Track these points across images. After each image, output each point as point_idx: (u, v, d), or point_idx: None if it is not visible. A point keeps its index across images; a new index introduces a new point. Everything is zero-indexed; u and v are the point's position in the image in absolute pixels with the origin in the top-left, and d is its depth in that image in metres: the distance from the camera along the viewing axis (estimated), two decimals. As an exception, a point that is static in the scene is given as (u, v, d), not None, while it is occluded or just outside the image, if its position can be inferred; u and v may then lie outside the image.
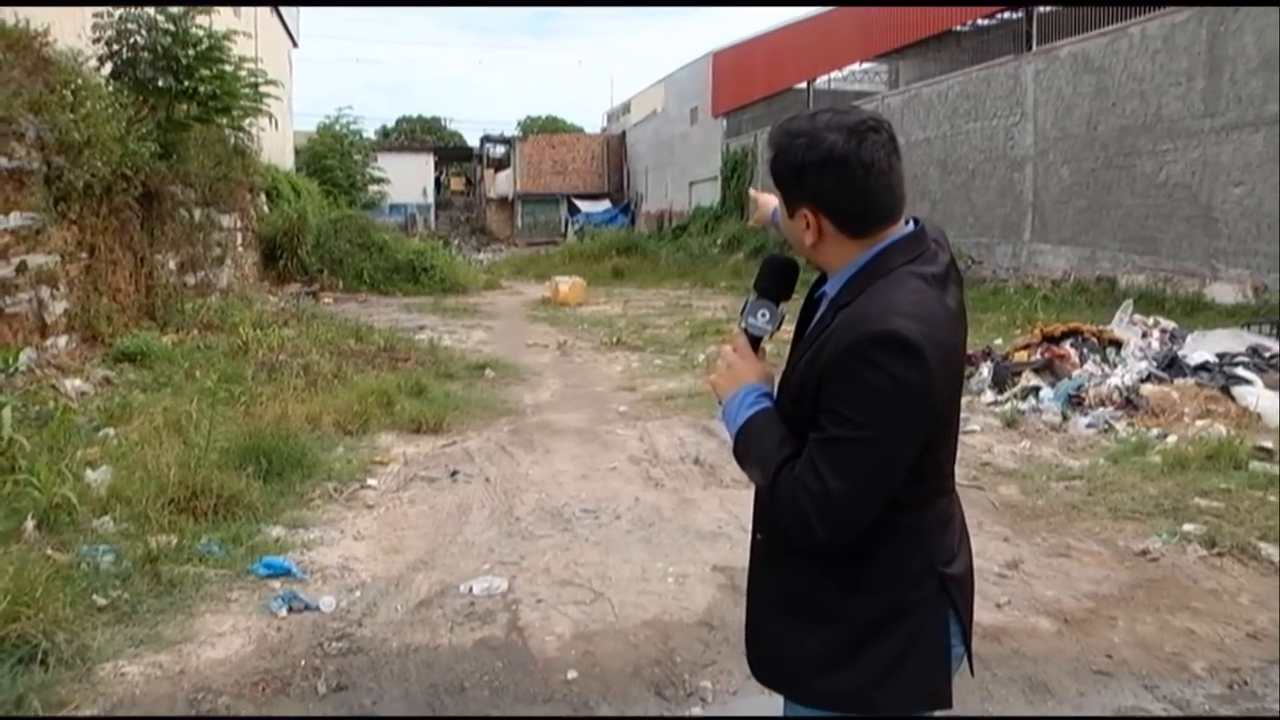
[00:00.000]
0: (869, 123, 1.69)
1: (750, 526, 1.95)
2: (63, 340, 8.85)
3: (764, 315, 1.88)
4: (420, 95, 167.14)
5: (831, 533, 1.64)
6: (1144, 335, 9.56)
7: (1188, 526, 5.24)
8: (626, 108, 49.24)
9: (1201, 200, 13.75)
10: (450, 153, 57.54)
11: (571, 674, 3.75)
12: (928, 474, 1.76)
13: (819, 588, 1.80)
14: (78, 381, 8.16)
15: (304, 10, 31.70)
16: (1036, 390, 8.43)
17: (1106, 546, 5.12)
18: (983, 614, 4.26)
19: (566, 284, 20.02)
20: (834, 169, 1.67)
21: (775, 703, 1.99)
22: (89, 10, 11.87)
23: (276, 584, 4.58)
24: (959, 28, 21.44)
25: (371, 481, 6.36)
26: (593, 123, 59.33)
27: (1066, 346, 9.13)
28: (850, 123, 1.68)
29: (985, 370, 8.93)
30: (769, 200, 2.31)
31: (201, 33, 12.64)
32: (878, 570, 1.76)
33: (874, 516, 1.67)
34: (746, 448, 1.79)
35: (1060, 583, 4.64)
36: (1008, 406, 8.19)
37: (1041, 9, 17.85)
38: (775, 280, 1.90)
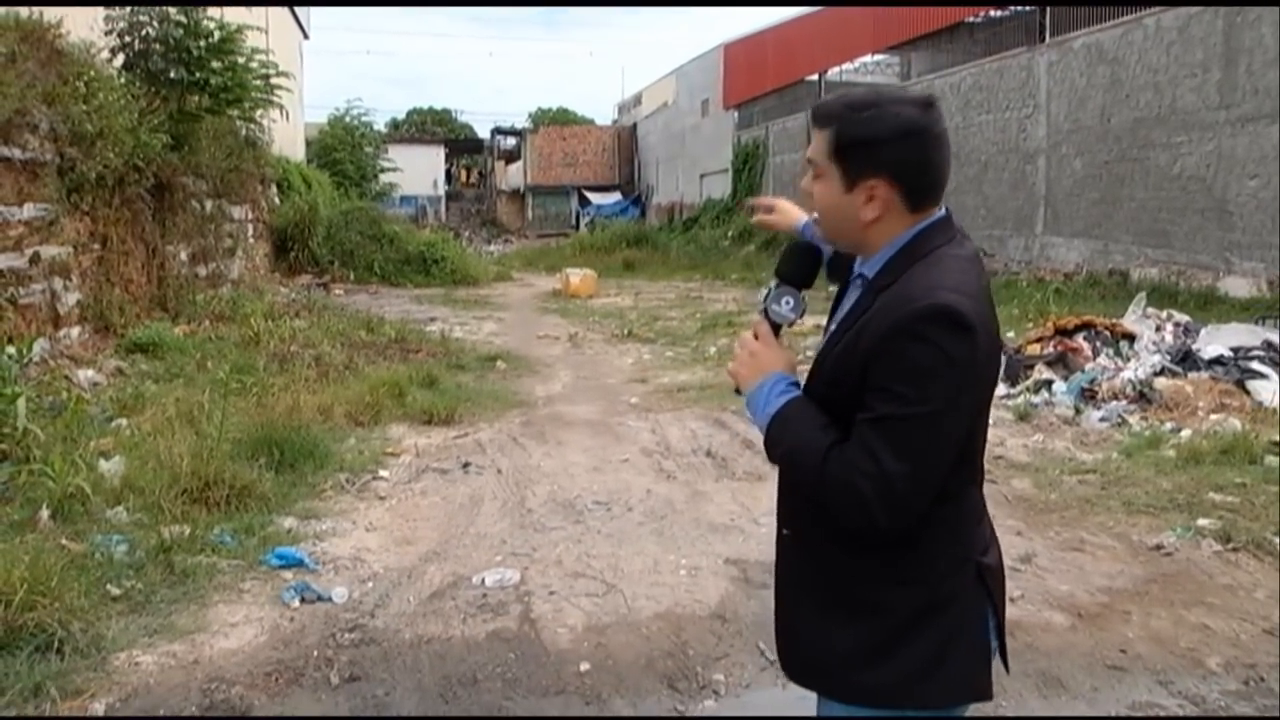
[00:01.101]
0: (929, 98, 1.73)
1: (768, 520, 1.92)
2: (75, 331, 8.89)
3: (788, 302, 1.83)
4: (431, 87, 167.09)
5: (893, 518, 1.59)
6: (1157, 329, 9.51)
7: (1202, 521, 5.21)
8: (638, 99, 49.16)
9: (1216, 193, 13.65)
10: (461, 145, 57.58)
11: (584, 666, 3.76)
12: (965, 461, 1.74)
13: (858, 581, 1.76)
14: (90, 372, 8.19)
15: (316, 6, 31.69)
16: (1049, 384, 8.40)
17: (1120, 541, 5.10)
18: (996, 608, 4.26)
19: (577, 276, 20.02)
20: (913, 139, 1.67)
21: (789, 697, 1.98)
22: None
23: (289, 575, 4.59)
24: (971, 19, 21.34)
25: (383, 473, 6.37)
26: (604, 114, 59.48)
27: (1079, 340, 9.10)
28: (912, 97, 1.72)
29: (998, 363, 8.88)
30: (790, 210, 2.28)
31: (213, 25, 12.66)
32: (918, 561, 1.73)
33: (930, 498, 1.63)
34: (782, 435, 1.73)
35: (1074, 577, 4.63)
36: (1020, 400, 8.16)
37: None
38: (799, 266, 1.87)
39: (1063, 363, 8.75)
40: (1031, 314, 12.37)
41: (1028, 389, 8.40)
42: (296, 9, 27.93)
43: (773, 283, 1.86)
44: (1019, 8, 19.39)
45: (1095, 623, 4.13)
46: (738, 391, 1.84)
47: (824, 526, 1.74)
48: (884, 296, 1.66)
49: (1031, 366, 8.77)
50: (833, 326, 1.81)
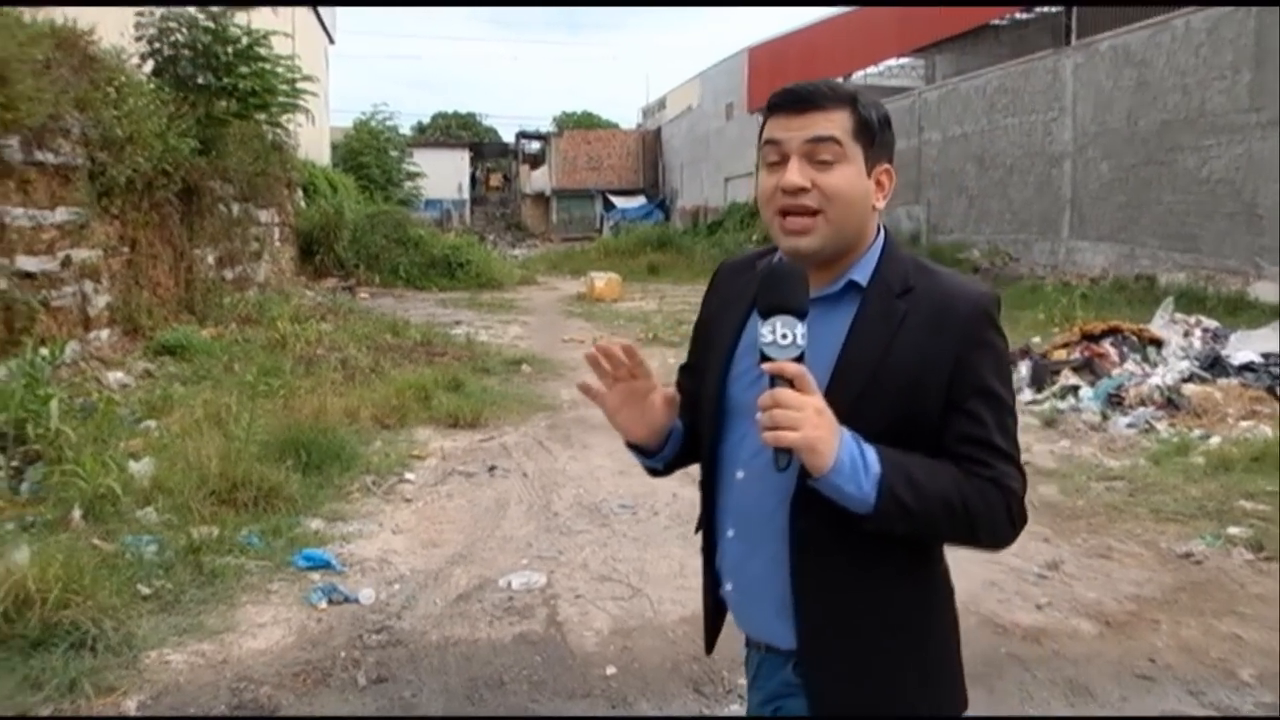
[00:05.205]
0: None
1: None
2: (105, 333, 8.99)
3: (800, 331, 1.43)
4: (456, 91, 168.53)
5: (1023, 520, 1.53)
6: (1185, 334, 9.42)
7: (1233, 529, 5.16)
8: (662, 103, 49.19)
9: (1245, 197, 13.51)
10: (486, 149, 57.79)
11: (610, 669, 3.76)
12: None
13: (908, 603, 1.58)
14: (120, 374, 8.28)
15: (341, 7, 31.97)
16: (1076, 389, 8.34)
17: (1148, 548, 5.05)
18: (1022, 615, 4.23)
19: (602, 280, 20.04)
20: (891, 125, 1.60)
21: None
22: (132, 9, 12.05)
23: (316, 576, 4.63)
24: (997, 22, 21.23)
25: (409, 475, 6.40)
26: (628, 118, 59.41)
27: (1106, 345, 9.03)
28: None
29: (1024, 369, 8.84)
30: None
31: (240, 31, 12.79)
32: (939, 564, 1.64)
33: None
34: (916, 494, 1.44)
35: (1101, 584, 4.59)
36: (1046, 405, 8.11)
37: None
38: (796, 290, 1.45)
39: (1089, 368, 8.68)
40: (1058, 319, 12.24)
41: (1054, 394, 8.34)
42: (322, 14, 28.15)
43: (776, 319, 1.44)
44: (1045, 9, 19.26)
45: (1123, 631, 4.10)
46: (783, 466, 1.44)
47: (853, 548, 1.53)
48: (914, 298, 1.52)
49: (1058, 372, 8.71)
50: (835, 346, 1.52)
